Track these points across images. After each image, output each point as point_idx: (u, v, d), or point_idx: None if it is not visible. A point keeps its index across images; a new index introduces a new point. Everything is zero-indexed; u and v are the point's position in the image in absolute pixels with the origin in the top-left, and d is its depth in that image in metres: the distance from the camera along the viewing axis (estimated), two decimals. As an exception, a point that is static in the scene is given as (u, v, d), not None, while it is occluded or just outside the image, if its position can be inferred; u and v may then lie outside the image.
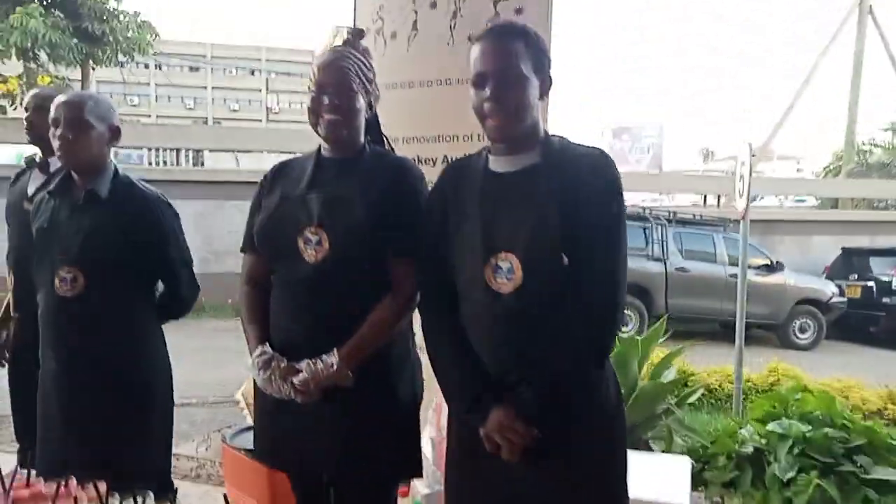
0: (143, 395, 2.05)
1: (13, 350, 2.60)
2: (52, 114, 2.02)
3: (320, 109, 1.70)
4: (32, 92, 2.71)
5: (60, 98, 2.04)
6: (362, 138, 1.78)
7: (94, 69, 13.89)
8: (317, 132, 1.74)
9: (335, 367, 1.60)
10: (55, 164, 2.58)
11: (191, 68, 50.12)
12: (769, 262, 9.84)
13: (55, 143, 2.00)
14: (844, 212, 15.63)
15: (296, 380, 1.60)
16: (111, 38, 13.12)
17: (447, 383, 1.54)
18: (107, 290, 1.99)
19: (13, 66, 12.81)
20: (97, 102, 2.07)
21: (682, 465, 2.29)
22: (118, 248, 1.99)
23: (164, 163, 18.41)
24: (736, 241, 9.74)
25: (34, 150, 2.75)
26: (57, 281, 1.96)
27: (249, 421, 4.04)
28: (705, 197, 17.17)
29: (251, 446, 3.10)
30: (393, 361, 1.73)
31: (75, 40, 12.58)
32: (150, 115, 46.06)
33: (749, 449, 2.61)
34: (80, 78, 13.97)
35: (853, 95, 16.39)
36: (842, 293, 10.21)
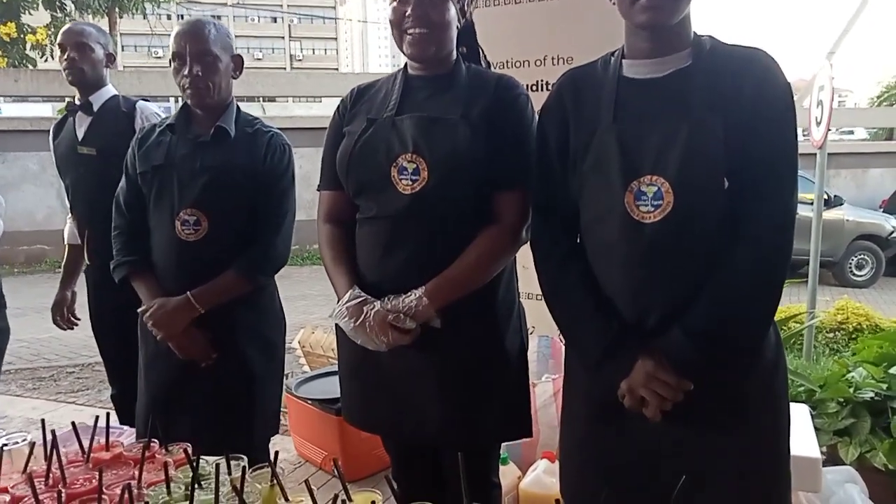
0: (267, 348, 1.93)
1: (93, 298, 2.49)
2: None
3: (403, 23, 1.48)
4: (63, 29, 2.50)
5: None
6: (455, 53, 1.56)
7: (120, 18, 13.62)
8: (401, 49, 1.52)
9: (418, 303, 1.39)
10: (98, 102, 2.45)
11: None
12: (826, 197, 9.39)
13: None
14: (902, 142, 14.90)
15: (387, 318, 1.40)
16: (137, -15, 12.86)
17: (575, 329, 1.34)
18: (231, 234, 1.82)
19: (40, 17, 12.62)
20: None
21: (801, 414, 2.10)
22: (244, 189, 1.81)
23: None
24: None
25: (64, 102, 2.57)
26: (178, 224, 1.79)
27: (307, 369, 3.94)
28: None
29: (316, 395, 3.03)
30: (500, 309, 1.53)
31: (100, -12, 12.34)
32: (174, 66, 45.87)
33: (867, 395, 2.40)
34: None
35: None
36: (901, 228, 9.76)
